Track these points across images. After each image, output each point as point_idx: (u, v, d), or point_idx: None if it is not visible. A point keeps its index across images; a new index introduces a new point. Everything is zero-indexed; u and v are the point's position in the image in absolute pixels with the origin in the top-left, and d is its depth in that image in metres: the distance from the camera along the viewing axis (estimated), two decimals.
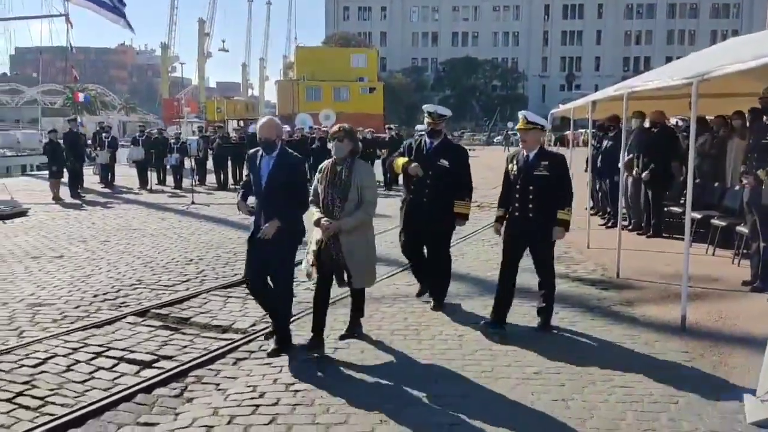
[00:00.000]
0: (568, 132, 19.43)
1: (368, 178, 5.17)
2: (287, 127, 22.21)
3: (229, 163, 19.63)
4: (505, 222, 5.83)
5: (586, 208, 10.78)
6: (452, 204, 6.23)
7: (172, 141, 20.52)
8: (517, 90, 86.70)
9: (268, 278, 5.20)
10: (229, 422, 4.00)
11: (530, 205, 5.54)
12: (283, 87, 69.09)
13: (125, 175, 20.67)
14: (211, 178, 20.31)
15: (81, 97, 41.47)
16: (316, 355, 5.07)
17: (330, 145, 5.17)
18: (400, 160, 6.34)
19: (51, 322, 6.04)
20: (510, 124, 61.68)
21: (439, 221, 6.21)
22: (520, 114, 5.65)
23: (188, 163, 19.67)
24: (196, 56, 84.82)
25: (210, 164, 20.66)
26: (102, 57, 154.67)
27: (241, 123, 43.92)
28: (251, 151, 5.24)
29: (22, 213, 13.36)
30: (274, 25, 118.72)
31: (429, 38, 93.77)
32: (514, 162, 5.71)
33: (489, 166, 21.80)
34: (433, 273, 6.51)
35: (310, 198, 5.20)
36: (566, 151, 14.78)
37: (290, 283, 5.21)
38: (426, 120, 6.30)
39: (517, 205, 5.65)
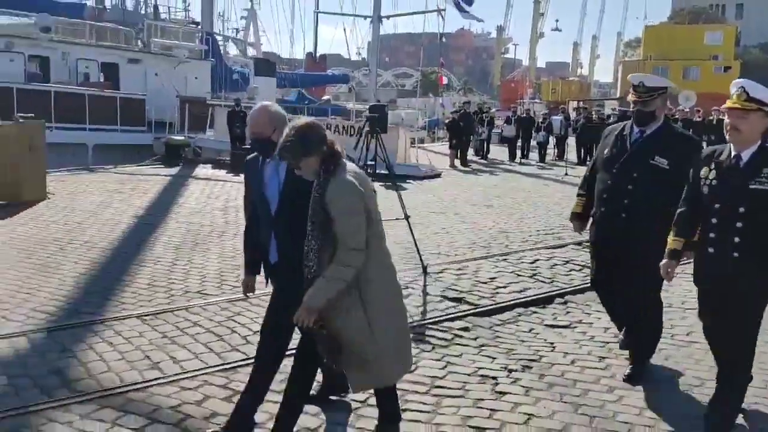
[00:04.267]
0: None
1: (338, 200, 3.08)
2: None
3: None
4: (690, 260, 3.84)
5: None
6: (668, 224, 3.85)
7: (539, 120, 23.46)
8: None
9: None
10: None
11: (736, 239, 3.47)
12: (627, 67, 68.06)
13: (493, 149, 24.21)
14: (570, 155, 22.64)
15: (444, 80, 47.63)
16: None
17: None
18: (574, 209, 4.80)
19: (521, 241, 8.99)
20: None
21: (641, 248, 4.11)
22: (736, 84, 3.50)
23: (551, 141, 22.51)
24: (528, 37, 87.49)
25: (570, 142, 23.00)
26: (443, 41, 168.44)
27: (581, 103, 45.34)
28: (249, 157, 3.61)
29: (438, 175, 17.31)
30: (610, 2, 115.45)
31: None
32: (712, 165, 3.59)
33: None
34: (627, 322, 4.53)
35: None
36: None
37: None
38: (630, 97, 4.27)
39: (712, 236, 3.57)
